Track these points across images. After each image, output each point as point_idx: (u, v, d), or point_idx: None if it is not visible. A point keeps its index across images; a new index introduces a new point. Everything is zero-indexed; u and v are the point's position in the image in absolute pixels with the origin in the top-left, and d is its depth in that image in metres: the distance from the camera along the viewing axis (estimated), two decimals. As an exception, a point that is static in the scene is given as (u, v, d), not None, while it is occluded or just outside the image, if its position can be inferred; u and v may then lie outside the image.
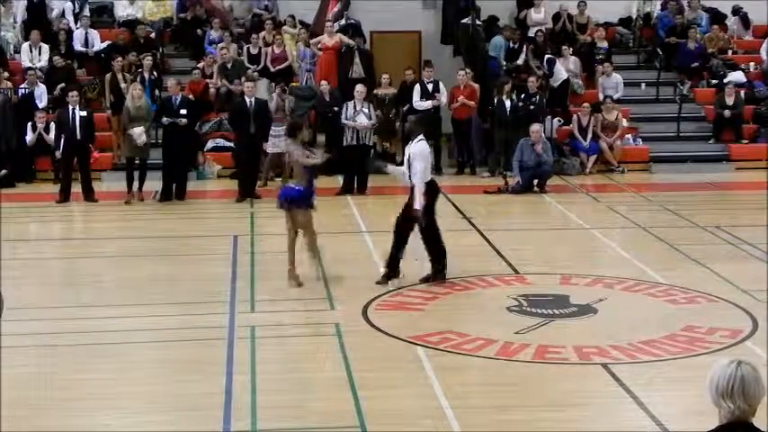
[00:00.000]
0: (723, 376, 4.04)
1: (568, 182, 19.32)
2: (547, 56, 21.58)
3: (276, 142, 18.36)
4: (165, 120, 17.39)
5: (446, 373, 8.87)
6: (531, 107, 19.66)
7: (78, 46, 21.75)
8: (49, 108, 19.89)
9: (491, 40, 21.94)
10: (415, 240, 11.80)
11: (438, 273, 11.82)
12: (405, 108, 19.63)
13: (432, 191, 11.78)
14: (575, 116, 20.69)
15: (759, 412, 4.10)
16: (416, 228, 11.73)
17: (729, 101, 21.18)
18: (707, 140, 21.34)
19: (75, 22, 22.26)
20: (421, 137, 11.81)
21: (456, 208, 16.61)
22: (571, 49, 22.01)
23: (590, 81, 22.15)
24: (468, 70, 20.47)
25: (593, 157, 20.39)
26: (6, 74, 20.30)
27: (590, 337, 9.87)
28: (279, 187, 13.90)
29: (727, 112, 20.99)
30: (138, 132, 17.13)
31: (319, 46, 21.17)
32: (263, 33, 21.76)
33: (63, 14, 22.36)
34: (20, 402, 8.27)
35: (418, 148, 11.65)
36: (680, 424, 7.74)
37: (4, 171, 18.89)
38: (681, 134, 21.52)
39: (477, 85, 20.32)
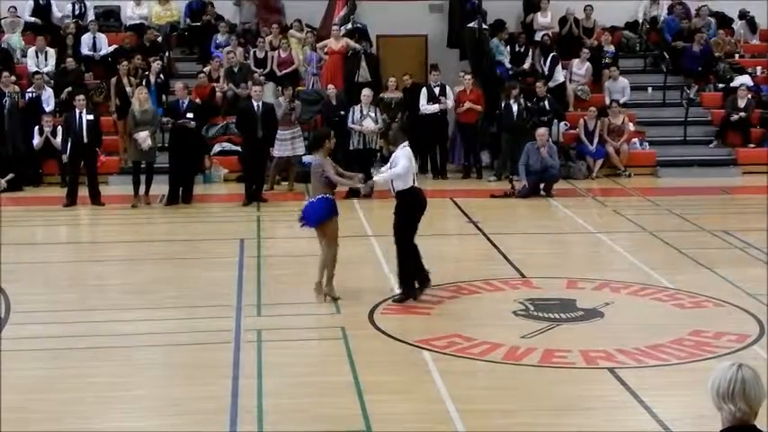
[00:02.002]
0: (724, 379, 4.05)
1: (575, 186, 19.31)
2: (552, 54, 21.62)
3: (282, 146, 18.40)
4: (167, 119, 17.37)
5: (452, 376, 8.86)
6: (544, 118, 19.63)
7: (86, 50, 21.81)
8: (56, 112, 19.96)
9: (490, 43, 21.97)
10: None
11: (404, 297, 11.27)
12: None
13: (414, 200, 11.32)
14: (581, 120, 20.67)
15: (760, 415, 4.10)
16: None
17: (741, 103, 21.17)
18: (711, 144, 21.30)
19: (77, 23, 22.32)
20: (405, 144, 11.46)
21: (462, 212, 16.62)
22: (589, 53, 21.98)
23: (596, 85, 22.14)
24: (466, 75, 20.44)
25: (599, 161, 20.37)
26: (13, 78, 20.35)
27: (596, 342, 9.86)
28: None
29: (734, 116, 20.96)
30: (144, 137, 17.14)
31: (325, 50, 21.18)
32: (269, 37, 21.79)
33: (71, 16, 22.48)
34: (27, 405, 8.28)
35: (403, 153, 11.29)
36: (687, 428, 7.72)
37: (11, 174, 18.93)
38: (687, 138, 21.50)
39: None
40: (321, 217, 11.11)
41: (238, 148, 19.41)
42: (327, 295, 11.23)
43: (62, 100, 20.18)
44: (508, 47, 22.09)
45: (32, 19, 22.42)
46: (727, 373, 4.06)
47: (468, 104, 19.91)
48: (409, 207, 11.30)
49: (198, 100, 19.10)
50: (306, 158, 17.43)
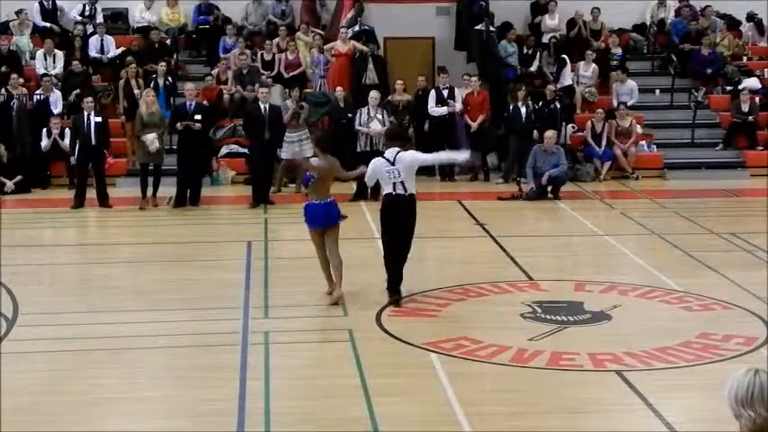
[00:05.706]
0: (741, 385, 4.02)
1: (582, 188, 19.29)
2: (560, 56, 21.62)
3: (290, 148, 18.41)
4: (179, 125, 17.41)
5: (459, 379, 8.85)
6: (555, 117, 19.63)
7: (94, 52, 21.85)
8: (64, 114, 20.00)
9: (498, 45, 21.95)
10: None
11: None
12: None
13: (387, 206, 11.39)
14: (589, 122, 20.67)
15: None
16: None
17: (744, 107, 21.14)
18: (718, 147, 21.25)
19: (85, 22, 22.36)
20: (397, 149, 11.28)
21: (470, 214, 16.61)
22: (594, 55, 21.97)
23: (604, 87, 22.13)
24: (471, 77, 20.42)
25: (607, 164, 20.36)
26: (21, 80, 20.40)
27: (604, 344, 9.84)
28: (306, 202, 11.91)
29: (737, 119, 20.95)
30: (151, 139, 17.17)
31: (333, 52, 21.19)
32: (276, 40, 21.82)
33: (80, 18, 22.53)
34: (32, 407, 8.29)
35: (409, 156, 11.23)
36: (694, 431, 7.71)
37: (19, 177, 18.97)
38: (695, 141, 21.48)
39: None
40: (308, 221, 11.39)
41: (246, 151, 19.43)
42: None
43: (70, 102, 20.22)
44: (515, 49, 22.08)
45: (45, 24, 22.42)
46: (744, 379, 4.03)
47: (473, 125, 19.87)
48: (385, 212, 11.47)
49: (205, 102, 19.13)
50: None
